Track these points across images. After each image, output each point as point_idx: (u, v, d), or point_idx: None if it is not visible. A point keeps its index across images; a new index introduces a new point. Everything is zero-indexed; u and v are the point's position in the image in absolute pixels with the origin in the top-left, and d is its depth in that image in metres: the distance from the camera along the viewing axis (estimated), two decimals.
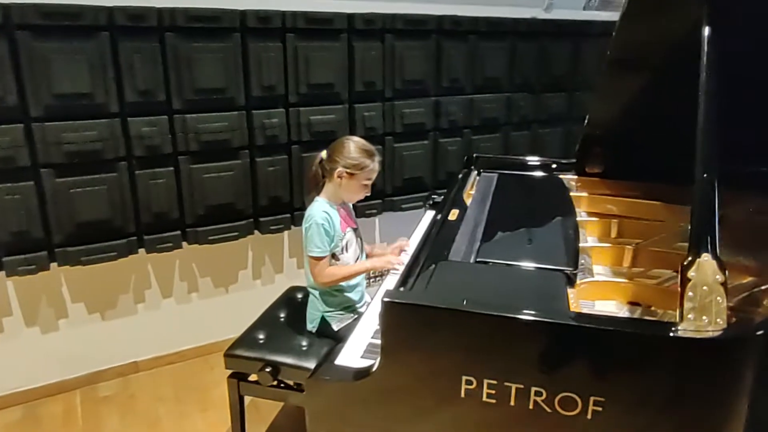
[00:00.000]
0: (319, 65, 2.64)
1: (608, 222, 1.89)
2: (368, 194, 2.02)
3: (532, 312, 1.09)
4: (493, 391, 1.15)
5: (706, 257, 1.11)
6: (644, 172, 2.30)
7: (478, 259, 1.43)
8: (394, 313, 1.17)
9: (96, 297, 2.54)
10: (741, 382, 1.06)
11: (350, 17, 2.66)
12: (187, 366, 2.77)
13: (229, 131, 2.50)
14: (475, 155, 2.60)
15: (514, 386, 1.13)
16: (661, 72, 2.18)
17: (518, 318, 1.09)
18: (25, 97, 2.09)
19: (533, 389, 1.12)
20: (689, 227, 1.77)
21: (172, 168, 2.43)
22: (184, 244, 2.57)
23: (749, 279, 1.51)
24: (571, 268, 1.38)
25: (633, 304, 1.42)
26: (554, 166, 2.51)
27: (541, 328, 1.09)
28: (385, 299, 1.17)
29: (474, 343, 1.14)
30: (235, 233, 2.65)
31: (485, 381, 1.15)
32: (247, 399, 2.37)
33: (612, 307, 1.43)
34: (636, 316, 1.36)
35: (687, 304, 1.11)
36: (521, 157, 2.65)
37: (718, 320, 1.08)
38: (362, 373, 1.23)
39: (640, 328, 1.10)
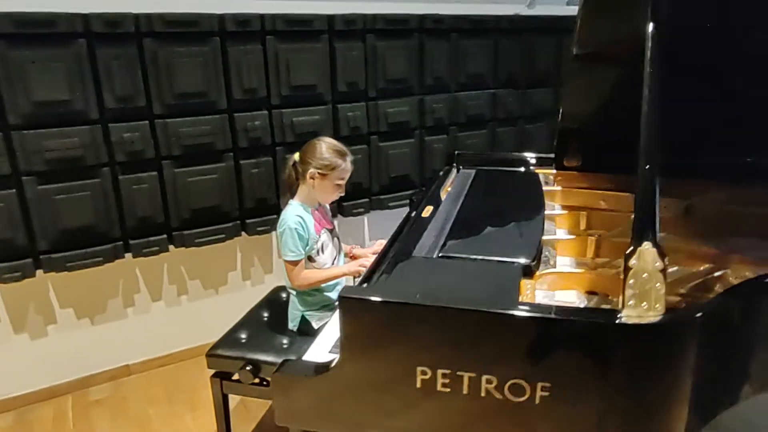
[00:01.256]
0: (301, 67, 2.70)
1: (578, 214, 1.94)
2: (342, 194, 2.09)
3: (477, 303, 1.15)
4: (447, 381, 1.20)
5: (646, 245, 1.16)
6: (620, 164, 2.35)
7: (441, 254, 1.48)
8: (349, 308, 1.22)
9: (84, 302, 2.62)
10: (682, 363, 1.11)
11: (330, 18, 2.72)
12: (178, 368, 2.84)
13: (212, 135, 2.56)
14: (456, 152, 2.66)
15: (466, 375, 1.19)
16: (629, 66, 2.24)
17: (463, 309, 1.15)
18: (3, 105, 2.14)
19: (484, 377, 1.18)
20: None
21: (155, 172, 2.50)
22: (171, 247, 2.64)
23: (706, 266, 1.56)
24: (529, 260, 1.43)
25: (591, 293, 1.47)
26: (533, 161, 2.57)
27: (485, 318, 1.14)
28: (342, 295, 1.24)
29: (426, 334, 1.19)
30: (222, 235, 2.72)
31: (439, 371, 1.20)
32: (236, 398, 2.46)
33: (572, 296, 1.48)
34: (591, 304, 1.42)
35: (628, 291, 1.15)
36: (502, 154, 2.71)
37: (657, 306, 1.13)
38: (323, 368, 1.30)
39: (579, 315, 1.14)
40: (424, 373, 1.21)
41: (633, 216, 1.19)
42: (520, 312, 1.13)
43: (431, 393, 1.21)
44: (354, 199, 3.04)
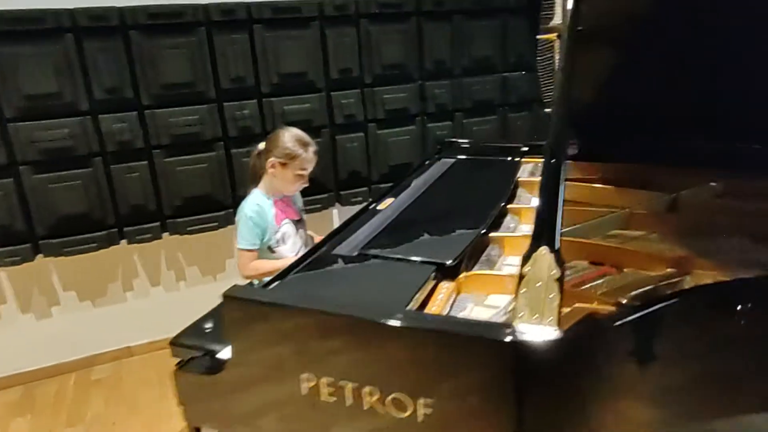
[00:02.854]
0: (290, 55, 2.65)
1: None
2: (306, 185, 2.03)
3: (352, 308, 1.06)
4: (332, 390, 1.12)
5: (543, 251, 1.03)
6: (618, 154, 2.15)
7: (359, 253, 1.40)
8: (232, 308, 1.17)
9: (85, 286, 2.73)
10: (571, 384, 0.98)
11: (320, 4, 2.64)
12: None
13: (200, 124, 2.57)
14: (446, 140, 2.53)
15: (349, 385, 1.11)
16: (628, 47, 2.02)
17: (339, 314, 1.06)
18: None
19: (366, 389, 1.09)
20: (616, 214, 1.65)
21: (146, 162, 2.54)
22: (165, 235, 2.70)
23: (667, 271, 1.38)
24: (449, 261, 1.31)
25: None
26: (526, 149, 2.39)
27: (359, 326, 1.05)
28: (225, 294, 1.18)
29: (306, 339, 1.12)
30: (215, 223, 2.74)
31: (323, 379, 1.12)
32: None
33: (504, 301, 1.35)
34: (509, 312, 1.28)
35: (520, 301, 1.03)
36: (494, 142, 2.54)
37: (550, 319, 0.99)
38: (216, 368, 1.25)
39: (456, 328, 1.02)
40: (308, 380, 1.14)
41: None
42: (393, 321, 1.02)
43: (317, 402, 1.14)
44: (353, 188, 2.97)
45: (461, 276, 1.35)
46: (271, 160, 1.92)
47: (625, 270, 1.42)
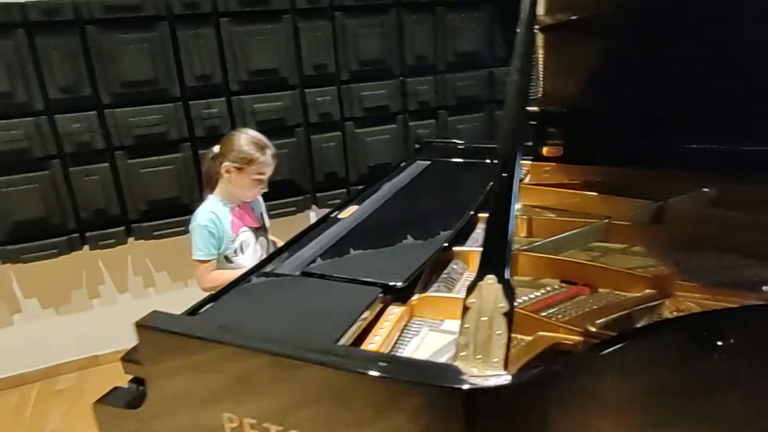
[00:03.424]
0: (260, 50, 2.49)
1: (522, 220, 1.62)
2: (264, 190, 1.89)
3: (272, 343, 0.92)
4: None
5: (489, 280, 0.89)
6: (606, 156, 2.01)
7: (303, 271, 1.26)
8: (146, 339, 1.05)
9: (48, 293, 2.60)
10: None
11: None
12: None
13: (165, 124, 2.44)
14: (424, 141, 2.39)
15: (273, 428, 0.98)
16: (616, 40, 1.87)
17: (256, 349, 0.93)
18: None
19: None
20: (595, 225, 1.51)
21: (107, 164, 2.41)
22: (131, 240, 2.57)
23: (646, 292, 1.24)
24: (400, 282, 1.18)
25: None
26: None
27: (282, 363, 0.92)
28: (138, 323, 1.05)
29: (226, 375, 0.99)
30: (182, 228, 2.60)
31: (246, 420, 0.99)
32: None
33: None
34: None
35: (462, 339, 0.89)
36: (479, 142, 2.39)
37: (495, 360, 0.86)
38: (136, 402, 1.12)
39: (377, 368, 0.86)
40: (231, 420, 1.00)
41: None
42: (315, 357, 0.88)
43: None
44: (330, 190, 2.84)
45: (414, 298, 1.21)
46: (226, 164, 1.78)
47: (599, 290, 1.28)
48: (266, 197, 2.67)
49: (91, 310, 2.69)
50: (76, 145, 2.33)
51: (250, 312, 1.14)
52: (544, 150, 2.22)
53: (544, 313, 1.17)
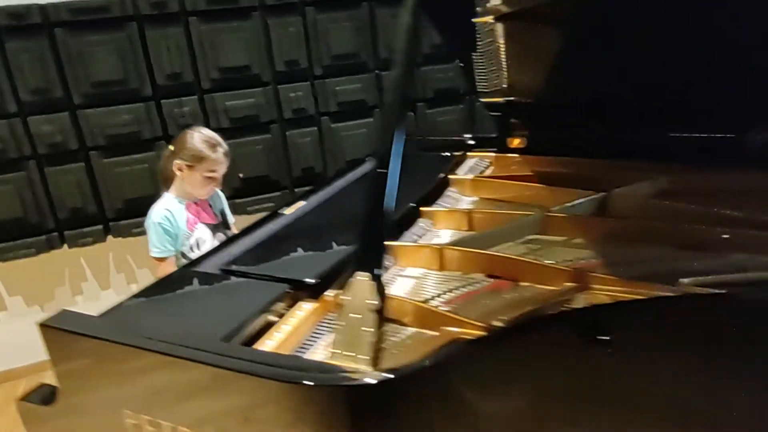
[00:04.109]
0: (230, 47, 2.51)
1: (462, 214, 1.60)
2: (218, 188, 1.91)
3: (158, 343, 0.93)
4: (153, 429, 1.01)
5: (362, 277, 0.88)
6: (569, 146, 1.97)
7: (221, 268, 1.27)
8: (48, 338, 1.07)
9: (33, 291, 2.67)
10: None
11: None
12: None
13: (137, 123, 2.48)
14: None
15: (165, 424, 0.99)
16: (568, 25, 1.83)
17: (144, 348, 0.94)
18: None
19: (181, 429, 0.97)
20: (532, 217, 1.48)
21: (82, 163, 2.47)
22: (110, 237, 2.62)
23: (564, 286, 1.21)
24: (311, 278, 1.17)
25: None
26: (472, 142, 2.22)
27: (169, 361, 0.93)
28: (40, 323, 1.08)
29: (122, 374, 1.00)
30: None
31: (142, 416, 1.01)
32: None
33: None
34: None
35: (336, 336, 0.89)
36: (440, 137, 2.36)
37: (362, 357, 0.85)
38: (51, 399, 1.15)
39: (252, 368, 0.86)
40: (130, 417, 1.02)
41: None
42: (190, 353, 0.89)
43: None
44: (308, 185, 2.83)
45: (329, 294, 1.21)
46: (178, 162, 1.80)
47: (521, 284, 1.26)
48: (244, 193, 2.72)
49: (75, 306, 2.74)
50: (49, 146, 2.38)
51: (157, 310, 1.15)
52: (509, 141, 2.20)
53: (455, 308, 1.16)
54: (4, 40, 2.23)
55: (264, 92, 2.62)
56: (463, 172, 2.00)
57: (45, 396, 1.17)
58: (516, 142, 2.18)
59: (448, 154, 2.04)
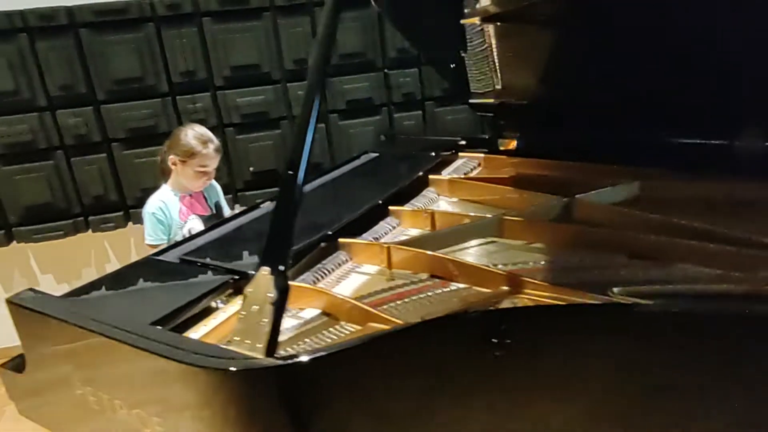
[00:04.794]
0: (242, 47, 2.62)
1: (426, 214, 1.63)
2: (209, 181, 2.01)
3: (95, 323, 1.02)
4: (94, 398, 1.11)
5: (264, 271, 0.94)
6: (559, 149, 1.96)
7: (180, 257, 1.36)
8: (14, 313, 1.19)
9: (62, 270, 2.89)
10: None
11: None
12: None
13: (154, 117, 2.61)
14: (389, 134, 2.42)
15: (105, 396, 1.09)
16: (560, 27, 1.81)
17: (82, 328, 1.03)
18: None
19: (116, 401, 1.07)
20: (490, 220, 1.50)
21: (104, 154, 2.65)
22: (130, 224, 2.80)
23: (500, 289, 1.23)
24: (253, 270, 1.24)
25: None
26: (463, 143, 2.23)
27: (102, 342, 1.02)
28: (7, 299, 1.20)
29: (71, 351, 1.10)
30: None
31: (87, 388, 1.11)
32: None
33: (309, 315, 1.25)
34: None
35: (237, 325, 0.95)
36: (434, 137, 2.39)
37: (258, 345, 0.91)
38: (21, 368, 1.27)
39: (161, 349, 0.93)
40: (78, 387, 1.13)
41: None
42: (119, 335, 0.98)
43: (89, 409, 1.13)
44: None
45: None
46: (172, 157, 1.92)
47: (459, 285, 1.28)
48: (255, 186, 2.84)
49: None
50: (75, 138, 2.56)
51: (112, 294, 1.26)
52: (500, 143, 2.20)
53: (389, 305, 1.21)
54: (35, 40, 2.41)
55: (274, 90, 2.72)
56: (447, 173, 2.03)
57: (18, 364, 1.30)
58: (507, 144, 2.19)
59: (433, 154, 2.06)
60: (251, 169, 2.76)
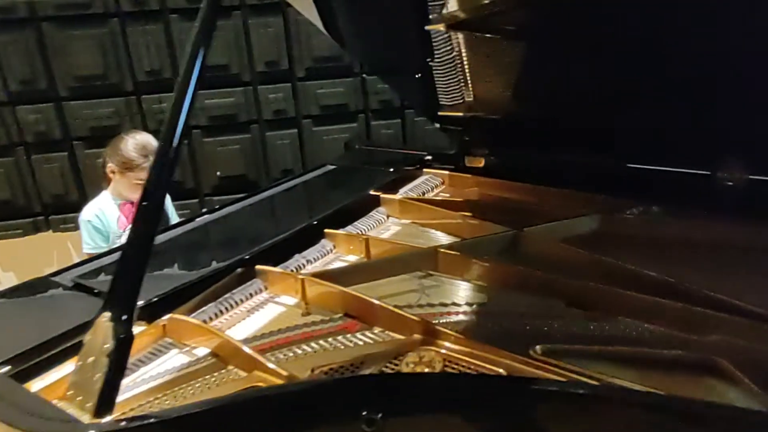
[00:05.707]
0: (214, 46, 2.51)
1: (359, 240, 1.48)
2: None
3: None
4: None
5: (104, 317, 0.81)
6: (528, 171, 1.80)
7: (75, 280, 1.24)
8: None
9: (24, 270, 2.81)
10: None
11: None
12: None
13: (118, 117, 2.52)
14: (348, 144, 2.28)
15: None
16: (536, 36, 1.65)
17: None
18: None
19: None
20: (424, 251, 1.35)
21: (65, 153, 2.56)
22: None
23: (413, 337, 1.08)
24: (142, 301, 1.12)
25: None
26: (428, 158, 2.08)
27: None
28: None
29: None
30: None
31: None
32: None
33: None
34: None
35: (73, 377, 0.82)
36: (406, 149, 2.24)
37: (87, 405, 0.78)
38: None
39: None
40: None
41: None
42: None
43: None
44: None
45: (165, 318, 1.15)
46: (110, 165, 1.81)
47: (373, 329, 1.14)
48: (221, 191, 2.72)
49: None
50: (35, 135, 2.47)
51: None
52: (467, 160, 2.05)
53: (286, 349, 1.08)
54: None
55: (243, 92, 2.59)
56: (405, 190, 1.88)
57: None
58: (474, 162, 2.03)
59: (391, 169, 1.92)
60: (219, 173, 2.64)
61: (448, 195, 1.90)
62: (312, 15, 1.73)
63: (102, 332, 0.79)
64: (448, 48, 1.89)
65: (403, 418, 0.79)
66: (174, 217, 2.04)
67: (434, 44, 1.90)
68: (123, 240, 1.86)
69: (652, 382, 0.88)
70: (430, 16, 1.87)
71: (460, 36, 1.86)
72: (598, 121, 1.62)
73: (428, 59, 1.91)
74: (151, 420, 0.74)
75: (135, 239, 0.83)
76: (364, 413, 0.77)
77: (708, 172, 1.46)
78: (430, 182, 1.96)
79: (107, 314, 0.80)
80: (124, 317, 0.79)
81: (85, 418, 0.76)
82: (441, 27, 1.84)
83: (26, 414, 0.75)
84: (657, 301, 1.07)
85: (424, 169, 2.01)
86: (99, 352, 0.78)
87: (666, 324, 1.05)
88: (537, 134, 1.83)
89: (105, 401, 0.77)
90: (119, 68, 2.44)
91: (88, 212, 1.82)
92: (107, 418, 0.76)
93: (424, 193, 1.88)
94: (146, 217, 0.83)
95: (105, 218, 1.82)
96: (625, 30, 1.37)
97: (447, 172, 1.99)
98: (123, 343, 0.78)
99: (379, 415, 0.77)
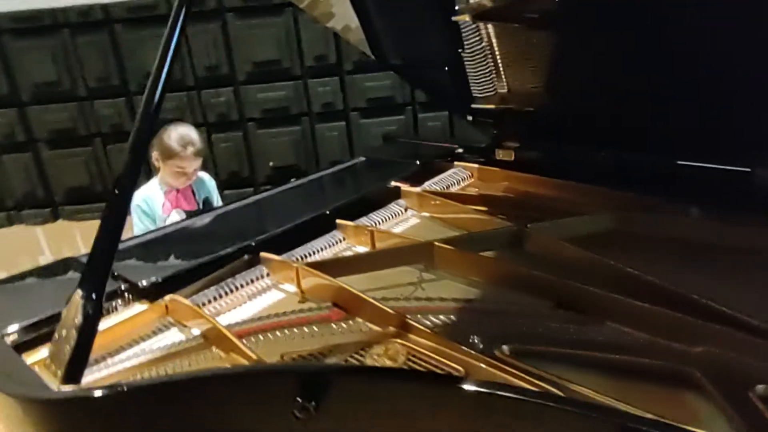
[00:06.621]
0: (261, 42, 2.59)
1: (366, 232, 1.48)
2: (190, 181, 2.01)
3: None
4: None
5: (78, 294, 0.87)
6: (557, 166, 1.72)
7: None
8: None
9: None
10: None
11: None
12: None
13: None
14: (388, 136, 2.27)
15: None
16: (566, 23, 1.55)
17: None
18: None
19: None
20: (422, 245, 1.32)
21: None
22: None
23: (389, 330, 1.08)
24: (145, 281, 1.19)
25: None
26: (460, 150, 2.03)
27: None
28: None
29: None
30: None
31: None
32: None
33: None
34: None
35: (51, 347, 0.89)
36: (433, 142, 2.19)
37: (59, 372, 0.84)
38: None
39: None
40: None
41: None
42: None
43: None
44: None
45: (167, 298, 1.22)
46: (155, 153, 1.95)
47: (356, 320, 1.15)
48: (274, 181, 2.82)
49: None
50: (110, 126, 2.70)
51: (16, 289, 1.26)
52: (497, 153, 1.98)
53: (266, 334, 1.11)
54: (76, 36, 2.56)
55: (294, 86, 2.67)
56: (431, 183, 1.85)
57: None
58: (503, 155, 1.96)
59: (417, 162, 1.89)
60: (271, 164, 2.75)
61: (476, 189, 1.85)
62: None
63: (74, 308, 0.86)
64: (477, 39, 1.83)
65: (336, 408, 0.80)
66: (219, 204, 2.15)
67: (463, 35, 1.85)
68: (167, 224, 1.99)
69: (613, 391, 0.82)
70: (456, 7, 1.81)
71: (490, 26, 1.80)
72: (633, 118, 1.51)
73: (459, 50, 1.86)
74: (107, 390, 0.79)
75: (106, 224, 0.89)
76: (298, 399, 0.78)
77: (747, 169, 1.33)
78: (457, 176, 1.90)
79: (80, 291, 0.87)
80: (94, 295, 0.85)
81: (53, 385, 0.83)
82: (467, 17, 1.78)
83: (5, 376, 0.84)
84: (647, 307, 0.99)
85: (455, 162, 1.96)
86: (70, 325, 0.85)
87: (653, 332, 0.97)
88: (569, 128, 1.74)
89: (72, 370, 0.83)
90: (182, 66, 2.59)
91: (138, 197, 1.96)
92: (72, 386, 0.83)
93: (448, 187, 1.83)
94: (116, 204, 0.89)
95: (152, 203, 1.96)
96: (662, 22, 1.27)
97: (476, 166, 1.93)
98: (91, 319, 0.84)
99: (312, 403, 0.78)
